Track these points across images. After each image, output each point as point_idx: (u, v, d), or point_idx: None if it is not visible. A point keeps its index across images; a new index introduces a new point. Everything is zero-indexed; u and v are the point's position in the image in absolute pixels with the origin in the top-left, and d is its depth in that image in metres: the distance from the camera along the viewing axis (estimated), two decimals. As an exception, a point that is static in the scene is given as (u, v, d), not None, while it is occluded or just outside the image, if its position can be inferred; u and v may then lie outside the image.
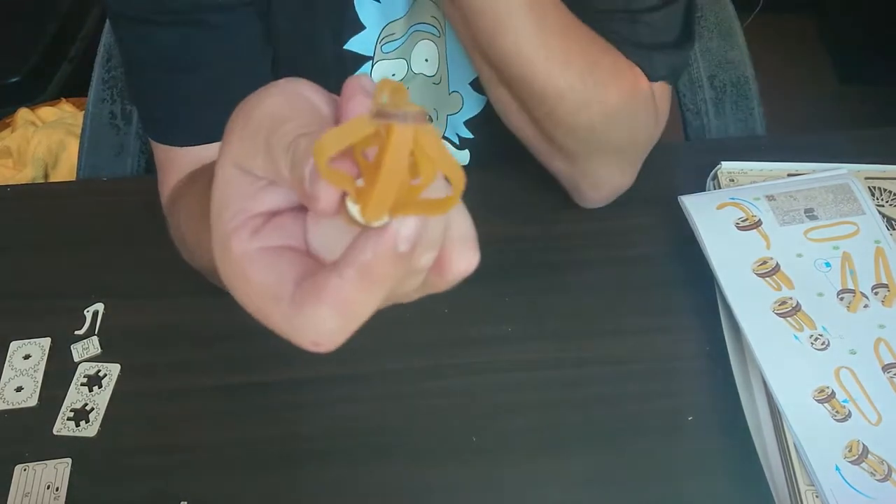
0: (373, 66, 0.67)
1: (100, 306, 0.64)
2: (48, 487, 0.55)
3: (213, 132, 0.59)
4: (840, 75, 1.89)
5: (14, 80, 1.47)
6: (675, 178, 0.71)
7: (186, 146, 0.60)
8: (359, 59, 0.66)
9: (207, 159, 0.59)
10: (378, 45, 0.66)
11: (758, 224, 0.64)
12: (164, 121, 0.61)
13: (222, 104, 0.56)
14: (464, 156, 0.75)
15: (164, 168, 0.63)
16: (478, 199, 0.75)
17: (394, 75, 0.67)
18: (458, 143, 0.74)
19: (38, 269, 0.67)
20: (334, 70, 0.66)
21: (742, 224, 0.64)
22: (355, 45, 0.65)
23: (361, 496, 0.54)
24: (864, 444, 0.53)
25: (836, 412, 0.54)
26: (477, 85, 0.69)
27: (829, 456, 0.52)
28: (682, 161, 0.75)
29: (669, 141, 0.92)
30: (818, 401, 0.55)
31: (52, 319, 0.63)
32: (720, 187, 0.68)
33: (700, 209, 0.65)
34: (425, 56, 0.67)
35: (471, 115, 0.72)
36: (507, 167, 0.74)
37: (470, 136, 0.73)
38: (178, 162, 0.61)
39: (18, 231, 0.71)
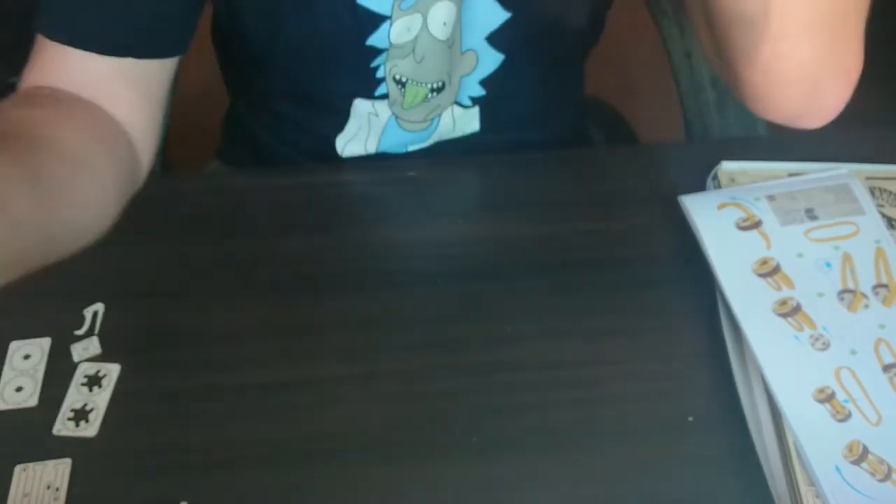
0: (391, 24, 0.66)
1: (100, 306, 0.64)
2: (48, 487, 0.55)
3: (105, 40, 0.58)
4: (840, 75, 1.89)
5: (14, 80, 1.47)
6: (675, 178, 0.71)
7: (74, 47, 0.58)
8: (375, 18, 0.65)
9: (80, 76, 0.58)
10: (396, 4, 0.64)
11: (758, 224, 0.64)
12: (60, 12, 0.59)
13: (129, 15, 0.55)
14: (473, 114, 0.75)
15: (37, 63, 0.62)
16: (477, 198, 0.76)
17: (409, 30, 0.66)
18: (469, 103, 0.74)
19: (38, 269, 0.67)
20: (350, 28, 0.66)
21: (742, 224, 0.64)
22: (371, 2, 0.64)
23: (361, 496, 0.54)
24: (864, 445, 0.53)
25: (837, 412, 0.54)
26: (495, 40, 0.68)
27: (829, 456, 0.52)
28: (682, 161, 0.75)
29: (670, 141, 0.92)
30: (818, 401, 0.55)
31: (52, 319, 0.63)
32: (720, 187, 0.68)
33: (700, 209, 0.65)
34: (444, 19, 0.66)
35: (486, 74, 0.71)
36: (505, 166, 0.74)
37: (483, 92, 0.73)
38: (55, 63, 0.60)
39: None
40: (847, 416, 0.54)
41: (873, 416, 0.54)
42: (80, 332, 0.63)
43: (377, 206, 0.72)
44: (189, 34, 0.64)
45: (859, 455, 0.52)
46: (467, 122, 0.75)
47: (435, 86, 0.71)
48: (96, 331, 0.63)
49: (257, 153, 0.84)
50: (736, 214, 0.64)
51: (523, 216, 0.69)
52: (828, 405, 0.54)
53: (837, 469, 0.52)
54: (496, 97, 0.73)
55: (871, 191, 0.66)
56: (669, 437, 0.56)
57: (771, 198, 0.65)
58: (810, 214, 0.64)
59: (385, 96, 0.72)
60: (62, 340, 0.62)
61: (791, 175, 0.68)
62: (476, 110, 0.75)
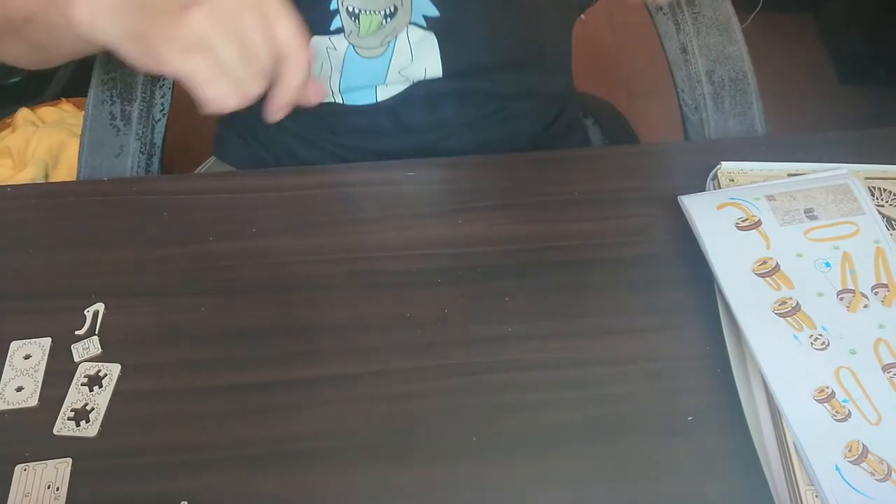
0: None
1: (100, 306, 0.64)
2: (48, 487, 0.55)
3: None
4: (840, 75, 1.89)
5: (14, 80, 1.47)
6: (675, 178, 0.71)
7: None
8: None
9: None
10: None
11: (758, 224, 0.64)
12: None
13: None
14: (431, 44, 0.75)
15: None
16: (476, 198, 0.76)
17: None
18: (424, 24, 0.74)
19: (38, 269, 0.67)
20: None
21: (742, 224, 0.64)
22: None
23: (361, 496, 0.54)
24: (864, 444, 0.53)
25: (836, 412, 0.54)
26: None
27: (829, 456, 0.52)
28: (682, 161, 0.75)
29: (669, 141, 0.92)
30: (818, 401, 0.55)
31: (52, 319, 0.63)
32: (720, 187, 0.68)
33: (700, 209, 0.65)
34: None
35: None
36: (504, 166, 0.74)
37: (436, 12, 0.73)
38: None
39: (18, 231, 0.71)
40: (847, 416, 0.54)
41: (873, 415, 0.54)
42: (80, 332, 0.63)
43: (376, 205, 0.72)
44: None
45: (859, 455, 0.52)
46: (426, 51, 0.75)
47: (387, 11, 0.72)
48: (96, 331, 0.63)
49: (248, 142, 0.85)
50: (735, 214, 0.64)
51: (523, 216, 0.69)
52: (827, 405, 0.54)
53: (837, 469, 0.52)
54: (451, 21, 0.73)
55: (871, 191, 0.66)
56: (669, 436, 0.56)
57: (770, 198, 0.65)
58: (810, 214, 0.64)
59: (340, 30, 0.73)
60: (62, 340, 0.62)
61: (790, 175, 0.68)
62: (433, 39, 0.74)
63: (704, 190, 0.69)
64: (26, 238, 0.70)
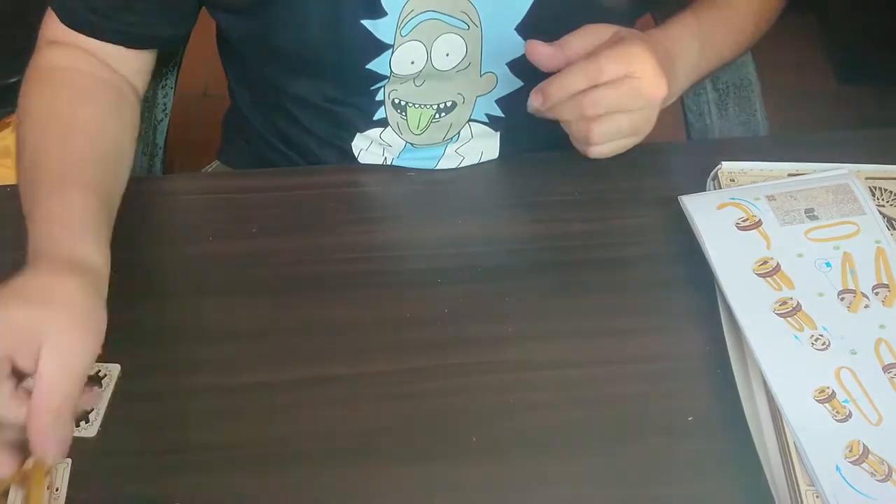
0: (392, 52, 0.67)
1: (100, 306, 0.64)
2: (48, 487, 0.54)
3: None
4: (840, 75, 1.89)
5: (14, 80, 1.47)
6: (675, 178, 0.71)
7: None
8: (378, 44, 0.66)
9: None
10: (398, 31, 0.66)
11: (758, 224, 0.64)
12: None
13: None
14: (492, 135, 0.75)
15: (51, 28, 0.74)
16: (477, 199, 0.76)
17: (413, 62, 0.68)
18: (487, 121, 0.74)
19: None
20: (351, 49, 0.67)
21: (742, 224, 0.64)
22: (376, 29, 0.66)
23: (361, 496, 0.54)
24: (864, 445, 0.53)
25: (837, 412, 0.54)
26: (516, 67, 0.70)
27: (830, 456, 0.52)
28: (682, 161, 0.75)
29: (670, 141, 0.92)
30: (818, 401, 0.55)
31: (51, 319, 0.63)
32: (720, 187, 0.68)
33: (700, 209, 0.65)
34: (447, 51, 0.68)
35: (503, 94, 0.72)
36: (505, 166, 0.74)
37: (501, 114, 0.73)
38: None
39: (18, 231, 0.70)
40: (847, 416, 0.54)
41: (874, 416, 0.54)
42: (80, 333, 0.62)
43: (377, 206, 0.72)
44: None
45: (860, 455, 0.52)
46: (485, 139, 0.75)
47: (442, 105, 0.71)
48: (96, 331, 0.63)
49: (258, 153, 0.84)
50: (736, 214, 0.64)
51: (523, 216, 0.69)
52: (828, 405, 0.54)
53: (838, 469, 0.52)
54: (515, 117, 0.73)
55: (872, 191, 0.66)
56: (669, 437, 0.56)
57: (771, 198, 0.65)
58: (810, 214, 0.64)
59: (383, 122, 0.72)
60: (62, 340, 0.62)
61: (791, 175, 0.68)
62: (497, 137, 0.75)
63: (705, 190, 0.69)
64: (26, 238, 0.69)
